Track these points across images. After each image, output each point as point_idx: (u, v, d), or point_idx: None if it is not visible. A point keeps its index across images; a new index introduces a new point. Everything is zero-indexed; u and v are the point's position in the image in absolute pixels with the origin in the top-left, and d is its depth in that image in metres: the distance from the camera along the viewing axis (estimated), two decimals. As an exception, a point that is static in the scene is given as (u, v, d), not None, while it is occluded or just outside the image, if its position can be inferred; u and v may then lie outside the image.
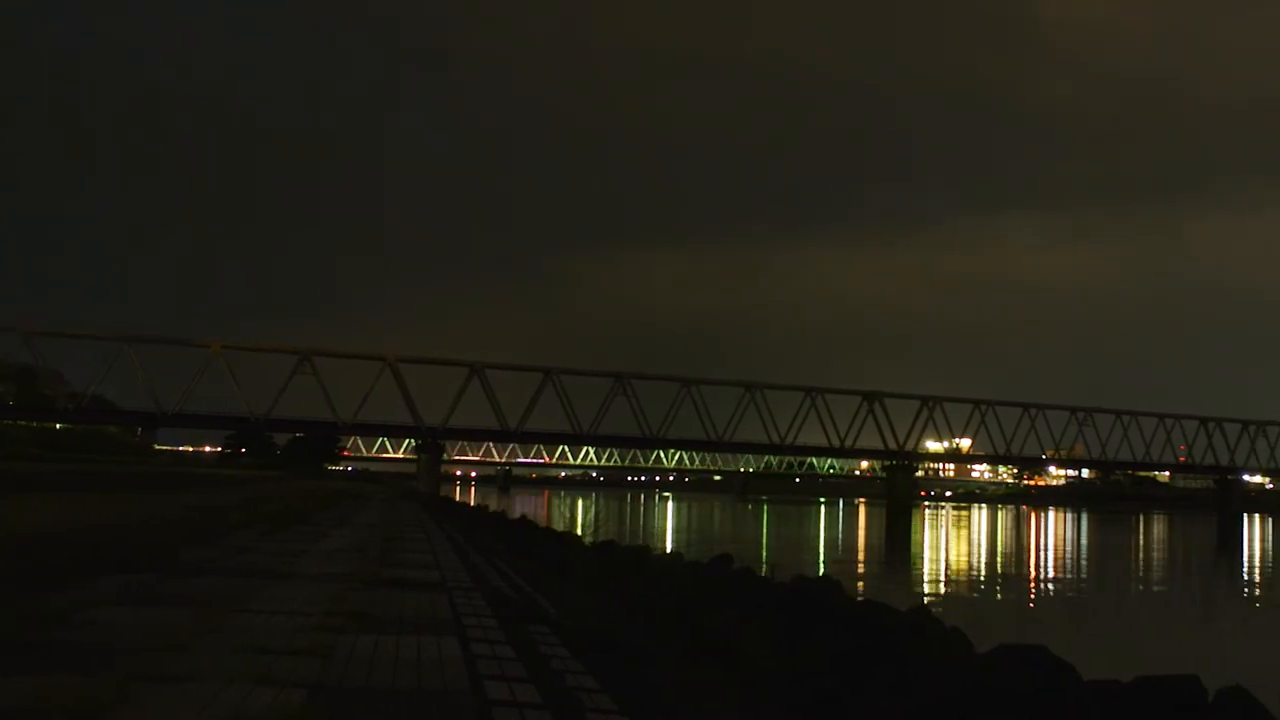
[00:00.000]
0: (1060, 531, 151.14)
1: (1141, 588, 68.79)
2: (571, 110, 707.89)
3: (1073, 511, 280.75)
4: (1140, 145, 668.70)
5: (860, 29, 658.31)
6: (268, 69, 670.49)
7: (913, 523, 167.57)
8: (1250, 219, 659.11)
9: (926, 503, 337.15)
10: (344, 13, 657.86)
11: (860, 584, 57.14)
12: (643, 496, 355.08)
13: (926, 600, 50.34)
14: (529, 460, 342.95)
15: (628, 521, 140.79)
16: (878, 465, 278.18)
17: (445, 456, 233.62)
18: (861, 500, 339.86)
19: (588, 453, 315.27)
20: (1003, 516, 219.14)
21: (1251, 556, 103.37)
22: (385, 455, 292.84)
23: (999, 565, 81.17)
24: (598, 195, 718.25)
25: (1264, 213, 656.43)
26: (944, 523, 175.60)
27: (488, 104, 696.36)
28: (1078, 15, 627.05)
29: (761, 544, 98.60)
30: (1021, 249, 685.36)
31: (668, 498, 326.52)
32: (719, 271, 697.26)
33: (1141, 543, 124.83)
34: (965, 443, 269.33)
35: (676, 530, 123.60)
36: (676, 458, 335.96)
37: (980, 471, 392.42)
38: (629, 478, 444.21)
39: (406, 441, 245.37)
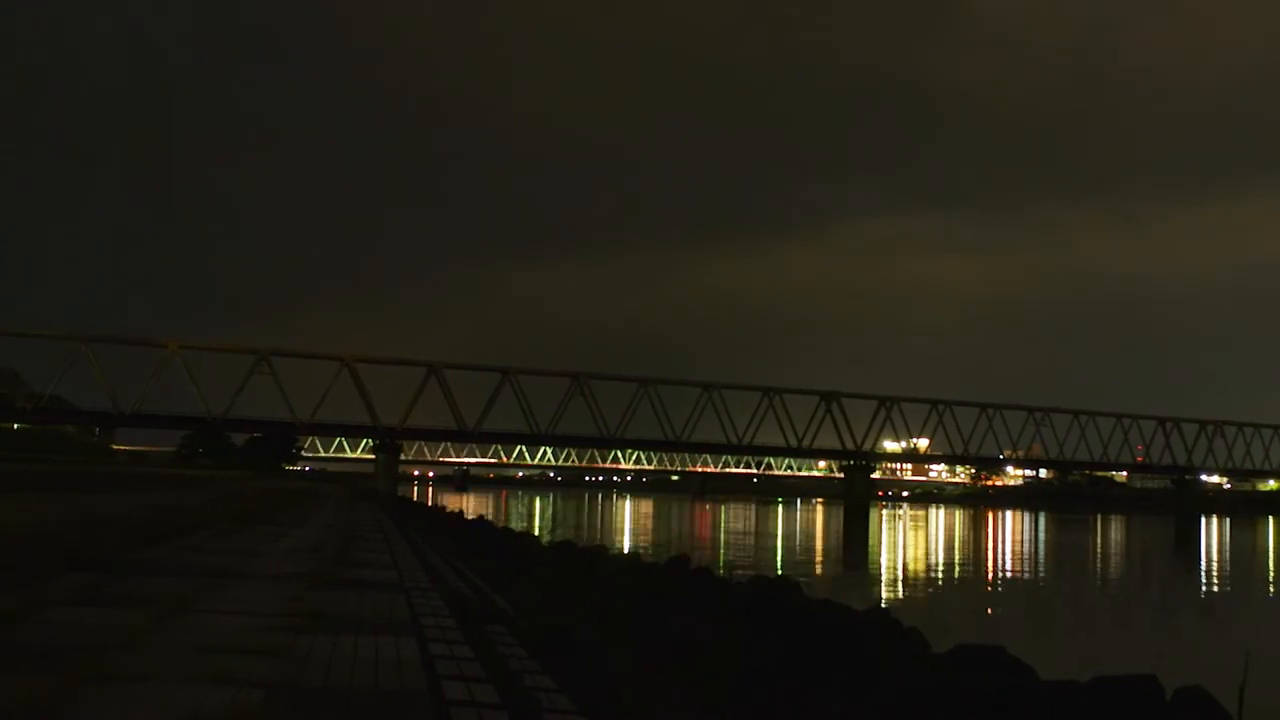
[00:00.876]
0: (1018, 532, 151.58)
1: (1099, 588, 68.99)
2: (527, 111, 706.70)
3: (1030, 512, 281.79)
4: (1091, 136, 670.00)
5: (788, 20, 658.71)
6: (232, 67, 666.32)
7: (870, 523, 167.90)
8: (1209, 214, 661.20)
9: (884, 503, 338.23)
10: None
11: (818, 584, 57.16)
12: (600, 497, 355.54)
13: (884, 600, 50.47)
14: (486, 460, 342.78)
15: (585, 522, 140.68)
16: (835, 465, 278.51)
17: (403, 456, 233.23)
18: (819, 500, 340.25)
19: (545, 453, 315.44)
20: (960, 517, 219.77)
21: (1209, 557, 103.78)
22: (343, 455, 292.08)
23: (957, 566, 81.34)
24: (549, 196, 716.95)
25: (1217, 207, 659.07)
26: (902, 523, 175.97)
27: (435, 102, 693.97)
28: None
29: (719, 544, 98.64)
30: (976, 249, 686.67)
31: (625, 498, 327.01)
32: (672, 273, 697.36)
33: (1099, 543, 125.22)
34: (923, 443, 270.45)
35: (634, 530, 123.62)
36: (634, 458, 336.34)
37: (938, 472, 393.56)
38: (587, 478, 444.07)
39: (364, 441, 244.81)
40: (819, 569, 74.99)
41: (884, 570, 76.21)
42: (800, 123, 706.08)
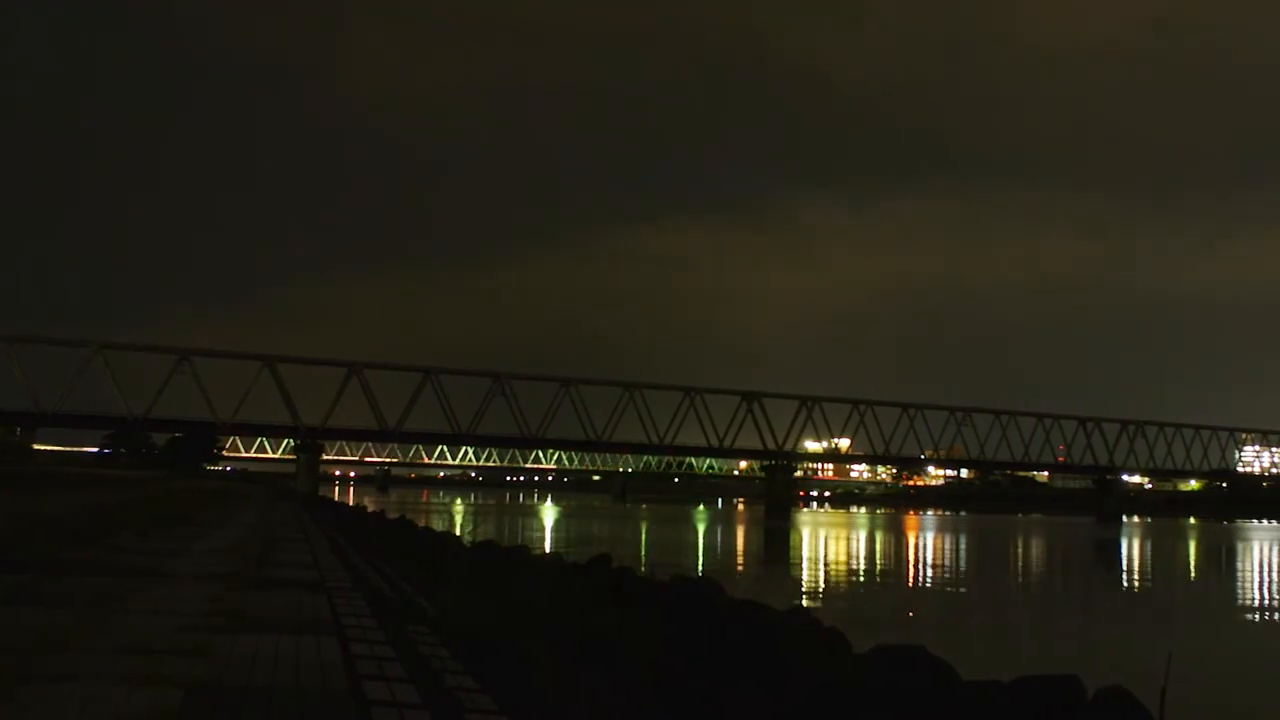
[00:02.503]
0: (938, 532, 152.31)
1: (1020, 588, 69.38)
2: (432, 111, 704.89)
3: (951, 511, 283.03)
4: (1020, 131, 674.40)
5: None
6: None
7: (791, 522, 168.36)
8: (1131, 214, 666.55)
9: (805, 503, 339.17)
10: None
11: (739, 583, 57.32)
12: (521, 496, 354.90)
13: (805, 600, 50.73)
14: (408, 460, 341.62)
15: (506, 521, 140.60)
16: (756, 465, 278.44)
17: (324, 456, 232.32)
18: (740, 500, 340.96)
19: (466, 452, 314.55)
20: (881, 516, 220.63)
21: (1130, 557, 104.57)
22: (264, 455, 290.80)
23: (877, 565, 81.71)
24: (467, 195, 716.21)
25: (1149, 210, 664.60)
26: (823, 523, 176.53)
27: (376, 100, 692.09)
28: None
29: (641, 544, 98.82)
30: (897, 248, 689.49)
31: (547, 498, 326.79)
32: (594, 269, 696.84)
33: (1020, 543, 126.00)
34: (844, 443, 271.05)
35: (556, 530, 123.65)
36: (555, 457, 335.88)
37: (859, 471, 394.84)
38: (508, 477, 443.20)
39: (285, 441, 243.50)
40: (740, 568, 75.19)
41: (804, 570, 76.38)
42: (732, 115, 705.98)
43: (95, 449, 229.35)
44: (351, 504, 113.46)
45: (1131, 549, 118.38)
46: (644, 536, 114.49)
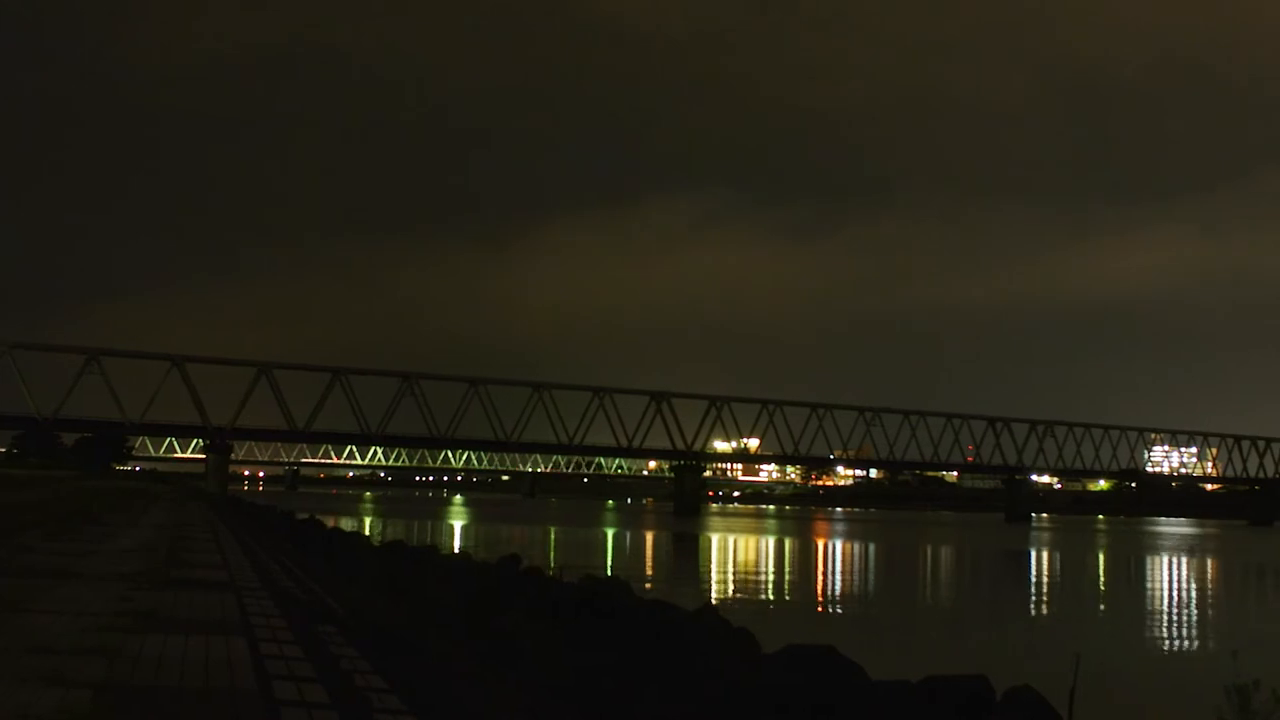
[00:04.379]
0: (847, 532, 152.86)
1: (928, 589, 69.74)
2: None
3: (860, 511, 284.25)
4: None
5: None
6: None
7: (700, 522, 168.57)
8: (1041, 221, 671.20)
9: (714, 502, 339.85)
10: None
11: (648, 584, 57.43)
12: (431, 496, 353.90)
13: (714, 600, 50.86)
14: (317, 460, 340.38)
15: (416, 521, 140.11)
16: (666, 465, 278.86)
17: (233, 456, 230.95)
18: (649, 500, 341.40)
19: (376, 453, 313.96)
20: (791, 516, 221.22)
21: (1039, 557, 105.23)
22: (174, 455, 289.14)
23: (786, 565, 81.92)
24: (382, 193, 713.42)
25: (1054, 216, 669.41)
26: (732, 523, 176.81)
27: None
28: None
29: (549, 544, 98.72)
30: (804, 248, 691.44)
31: (456, 498, 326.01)
32: (499, 272, 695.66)
33: (929, 543, 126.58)
34: (753, 443, 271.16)
35: (465, 530, 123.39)
36: (465, 458, 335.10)
37: (768, 472, 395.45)
38: (417, 478, 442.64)
39: (195, 441, 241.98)
40: (648, 569, 75.29)
41: (714, 570, 76.55)
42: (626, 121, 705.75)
43: (3, 449, 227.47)
44: (261, 504, 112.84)
45: (1040, 550, 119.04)
46: (552, 536, 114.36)
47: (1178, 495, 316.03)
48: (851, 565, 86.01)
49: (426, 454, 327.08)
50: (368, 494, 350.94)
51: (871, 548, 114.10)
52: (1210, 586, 75.85)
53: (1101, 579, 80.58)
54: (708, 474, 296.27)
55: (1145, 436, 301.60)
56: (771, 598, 57.74)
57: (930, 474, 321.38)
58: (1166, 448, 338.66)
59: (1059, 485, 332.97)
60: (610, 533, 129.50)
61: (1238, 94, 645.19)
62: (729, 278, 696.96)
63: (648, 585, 56.12)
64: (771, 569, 77.90)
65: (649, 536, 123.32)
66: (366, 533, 74.61)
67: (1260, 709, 13.44)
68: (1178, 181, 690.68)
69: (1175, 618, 54.77)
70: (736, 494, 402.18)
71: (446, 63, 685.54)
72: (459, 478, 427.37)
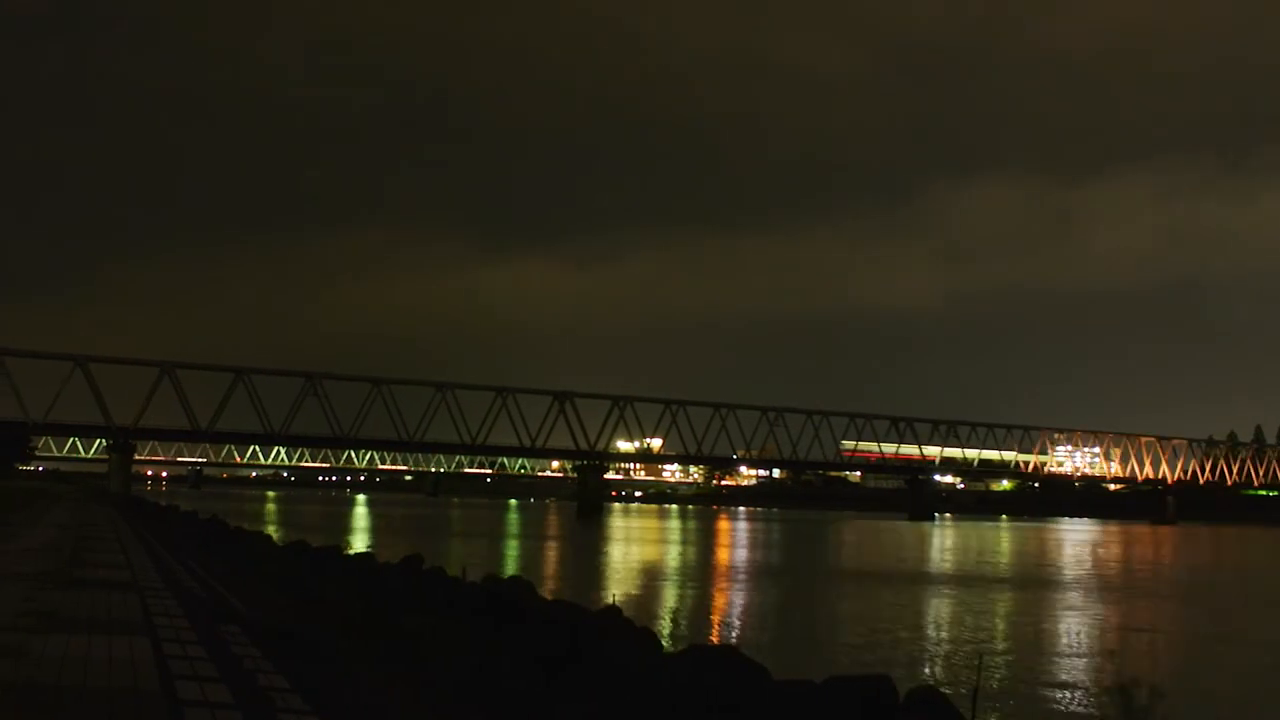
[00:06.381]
0: (750, 532, 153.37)
1: (832, 587, 69.97)
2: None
3: (763, 510, 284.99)
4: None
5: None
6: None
7: (604, 522, 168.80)
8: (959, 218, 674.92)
9: (617, 502, 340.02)
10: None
11: (551, 584, 57.56)
12: (334, 495, 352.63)
13: (617, 600, 50.96)
14: (220, 460, 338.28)
15: (318, 521, 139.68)
16: (569, 465, 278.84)
17: (136, 456, 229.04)
18: (552, 500, 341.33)
19: (279, 452, 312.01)
20: (693, 516, 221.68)
21: (943, 557, 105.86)
22: (77, 455, 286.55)
23: (689, 566, 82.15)
24: (278, 179, 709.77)
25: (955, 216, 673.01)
26: (634, 523, 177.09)
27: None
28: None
29: (451, 543, 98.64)
30: (705, 252, 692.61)
31: (359, 497, 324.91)
32: (406, 272, 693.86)
33: (832, 543, 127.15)
34: (656, 443, 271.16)
35: (368, 530, 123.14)
36: (368, 457, 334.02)
37: (671, 471, 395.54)
38: (320, 478, 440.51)
39: (98, 441, 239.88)
40: (551, 568, 75.41)
41: (617, 570, 76.63)
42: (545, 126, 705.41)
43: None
44: (164, 504, 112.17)
45: (944, 549, 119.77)
46: (455, 536, 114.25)
47: (1080, 495, 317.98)
48: (752, 565, 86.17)
49: (329, 454, 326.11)
50: (271, 494, 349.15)
51: (772, 547, 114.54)
52: (1105, 584, 76.60)
53: (1006, 579, 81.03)
54: (611, 474, 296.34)
55: (1051, 436, 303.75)
56: (674, 598, 57.92)
57: (834, 474, 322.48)
58: (1069, 448, 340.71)
59: (962, 486, 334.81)
60: (513, 532, 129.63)
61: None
62: (628, 279, 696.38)
63: (550, 585, 56.30)
64: (673, 569, 78.09)
65: (552, 536, 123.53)
66: (269, 533, 74.27)
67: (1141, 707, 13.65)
68: (1091, 174, 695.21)
69: (1081, 615, 55.39)
70: (639, 494, 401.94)
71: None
72: (362, 477, 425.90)
